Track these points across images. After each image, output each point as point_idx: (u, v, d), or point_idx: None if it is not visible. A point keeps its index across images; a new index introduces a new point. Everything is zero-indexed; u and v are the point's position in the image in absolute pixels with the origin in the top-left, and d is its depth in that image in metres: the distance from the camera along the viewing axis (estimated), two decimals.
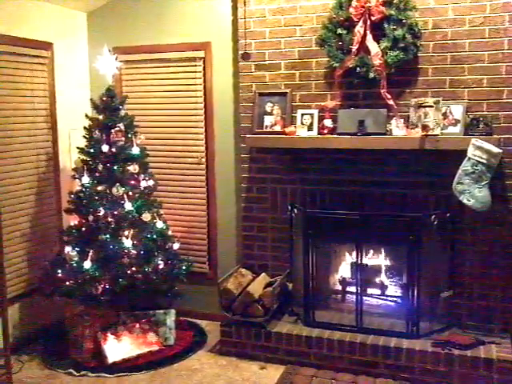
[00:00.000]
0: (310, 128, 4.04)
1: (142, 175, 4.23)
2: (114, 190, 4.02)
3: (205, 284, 4.65)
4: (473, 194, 3.54)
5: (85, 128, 4.19)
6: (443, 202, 3.83)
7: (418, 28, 3.73)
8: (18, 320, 4.21)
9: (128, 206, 4.03)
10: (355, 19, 3.80)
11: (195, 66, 4.55)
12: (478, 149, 3.47)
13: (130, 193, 4.09)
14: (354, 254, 4.00)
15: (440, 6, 3.74)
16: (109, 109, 4.12)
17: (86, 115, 4.23)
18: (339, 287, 4.31)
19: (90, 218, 4.03)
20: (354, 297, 3.99)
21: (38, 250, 4.39)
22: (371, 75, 3.81)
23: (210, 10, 4.43)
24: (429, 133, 3.63)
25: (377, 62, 3.74)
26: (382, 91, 3.79)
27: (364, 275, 4.00)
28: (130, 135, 4.17)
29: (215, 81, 4.50)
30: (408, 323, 3.81)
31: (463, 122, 3.69)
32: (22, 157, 4.23)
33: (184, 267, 4.28)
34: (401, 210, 3.89)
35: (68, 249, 4.06)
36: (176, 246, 4.34)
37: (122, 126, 4.12)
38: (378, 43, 3.77)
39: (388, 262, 4.21)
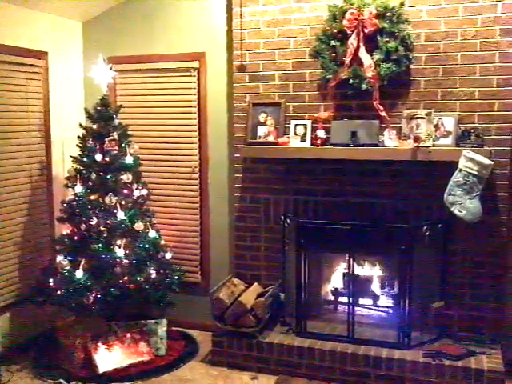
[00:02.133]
0: (303, 139, 4.06)
1: (135, 184, 4.24)
2: (107, 199, 4.02)
3: (197, 294, 4.64)
4: (464, 205, 3.56)
5: (78, 137, 4.20)
6: (435, 212, 3.86)
7: (411, 40, 3.77)
8: (8, 329, 4.18)
9: (121, 215, 4.02)
10: (348, 31, 3.83)
11: (190, 76, 4.56)
12: (470, 160, 3.50)
13: (123, 202, 4.09)
14: (346, 264, 4.00)
15: (432, 19, 3.79)
16: (103, 118, 4.13)
17: (80, 124, 4.24)
18: (331, 297, 4.32)
19: (83, 227, 4.03)
20: (346, 307, 4.00)
21: (30, 258, 4.38)
22: (364, 87, 3.84)
23: (205, 20, 4.46)
24: (420, 144, 3.65)
25: (369, 73, 3.77)
26: (374, 103, 3.82)
27: (356, 285, 4.00)
28: (123, 144, 4.18)
29: (209, 91, 4.52)
30: (399, 333, 3.81)
31: (455, 134, 3.72)
32: (15, 165, 4.23)
33: (176, 277, 4.29)
34: (393, 220, 3.91)
35: (60, 258, 4.04)
36: (168, 255, 4.33)
37: (115, 135, 4.13)
38: (371, 55, 3.80)
39: (380, 273, 4.23)
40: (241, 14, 4.17)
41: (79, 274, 3.91)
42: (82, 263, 3.95)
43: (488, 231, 3.79)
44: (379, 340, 3.86)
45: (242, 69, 4.22)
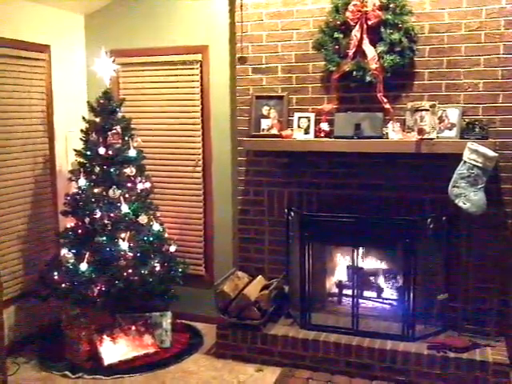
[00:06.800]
0: (306, 131, 4.06)
1: (139, 178, 4.24)
2: (111, 192, 4.02)
3: (201, 286, 4.65)
4: (468, 197, 3.55)
5: (82, 130, 4.20)
6: (439, 205, 3.85)
7: (415, 32, 3.75)
8: (13, 322, 4.20)
9: (124, 208, 4.03)
10: (352, 23, 3.82)
11: (192, 69, 4.55)
12: (474, 152, 3.49)
13: (127, 195, 4.10)
14: (351, 256, 4.00)
15: (436, 10, 3.77)
16: (106, 111, 4.13)
17: (83, 118, 4.24)
18: (335, 290, 4.32)
19: (87, 220, 4.03)
20: (350, 299, 4.00)
21: (35, 252, 4.39)
22: (368, 79, 3.83)
23: (208, 13, 4.44)
24: (425, 136, 3.64)
25: (373, 65, 3.76)
26: (378, 95, 3.81)
27: (360, 278, 4.01)
28: (126, 138, 4.18)
29: (212, 84, 4.51)
30: (404, 326, 3.82)
31: (459, 126, 3.70)
32: (18, 159, 4.23)
33: (180, 270, 4.30)
34: (397, 213, 3.91)
35: (64, 251, 4.05)
36: (172, 248, 4.34)
37: (118, 128, 4.12)
38: (375, 47, 3.78)
39: (384, 265, 4.23)
40: (241, 6, 4.13)
41: (83, 266, 3.93)
42: (87, 256, 3.96)
43: (492, 224, 3.78)
44: (384, 332, 3.87)
45: (242, 61, 4.20)
